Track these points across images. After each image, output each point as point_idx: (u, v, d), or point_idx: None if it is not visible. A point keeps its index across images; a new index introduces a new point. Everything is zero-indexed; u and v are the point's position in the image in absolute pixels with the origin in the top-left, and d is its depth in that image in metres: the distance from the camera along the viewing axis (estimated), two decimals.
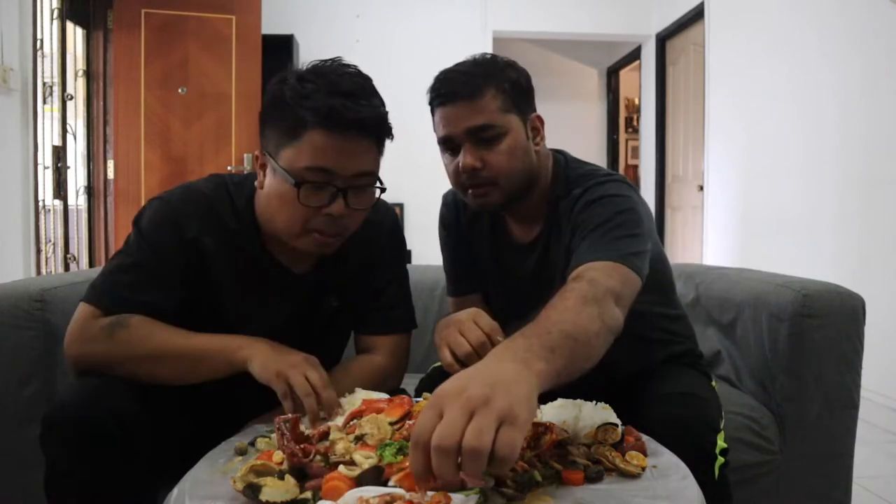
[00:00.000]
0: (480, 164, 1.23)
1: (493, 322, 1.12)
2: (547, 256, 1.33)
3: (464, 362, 1.07)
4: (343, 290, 1.28)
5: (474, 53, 1.31)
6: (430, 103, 1.28)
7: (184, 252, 1.15)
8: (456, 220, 1.46)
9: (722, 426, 1.16)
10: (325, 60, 1.12)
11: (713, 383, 1.42)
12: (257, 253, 1.20)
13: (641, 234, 1.18)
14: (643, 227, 1.20)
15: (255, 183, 1.17)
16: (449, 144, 1.27)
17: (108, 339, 1.07)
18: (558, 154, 1.38)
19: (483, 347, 1.08)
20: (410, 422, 0.95)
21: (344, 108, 1.05)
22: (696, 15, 4.96)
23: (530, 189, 1.30)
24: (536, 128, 1.30)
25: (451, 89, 1.23)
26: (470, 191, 1.27)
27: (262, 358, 1.08)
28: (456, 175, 1.27)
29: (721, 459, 1.12)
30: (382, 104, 1.12)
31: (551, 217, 1.32)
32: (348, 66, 1.12)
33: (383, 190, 1.16)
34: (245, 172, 1.31)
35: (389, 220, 1.33)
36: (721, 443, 1.13)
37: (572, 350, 0.87)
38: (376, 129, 1.10)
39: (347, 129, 1.06)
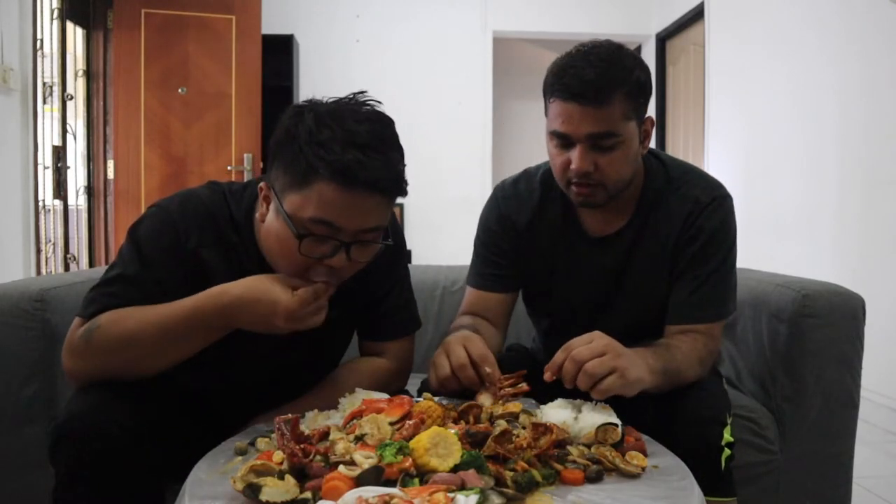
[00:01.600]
0: (593, 169, 1.22)
1: (484, 350, 1.14)
2: (635, 250, 1.34)
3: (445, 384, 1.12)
4: (343, 298, 1.27)
5: (597, 40, 1.24)
6: (552, 90, 1.23)
7: (183, 262, 1.12)
8: (518, 213, 1.41)
9: (729, 421, 1.18)
10: (347, 98, 1.07)
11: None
12: (256, 269, 1.15)
13: (735, 269, 1.37)
14: (736, 255, 1.37)
15: (257, 214, 1.12)
16: (562, 139, 1.24)
17: (87, 346, 1.04)
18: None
19: (463, 370, 1.10)
20: (410, 422, 0.95)
21: (359, 164, 0.99)
22: (696, 15, 4.95)
23: (628, 186, 1.31)
24: (647, 131, 1.29)
25: (581, 90, 1.18)
26: (573, 187, 1.26)
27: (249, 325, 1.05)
28: (563, 170, 1.26)
29: (727, 452, 1.14)
30: (401, 157, 1.06)
31: (643, 210, 1.33)
32: (370, 106, 1.06)
33: (388, 245, 1.12)
34: (245, 177, 1.28)
35: (390, 224, 1.32)
36: (727, 436, 1.15)
37: (670, 380, 1.16)
38: (390, 188, 1.04)
39: (360, 187, 1.00)
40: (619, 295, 1.36)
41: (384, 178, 1.01)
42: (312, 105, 1.05)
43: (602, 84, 1.18)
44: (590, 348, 1.05)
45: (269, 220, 1.08)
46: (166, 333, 1.04)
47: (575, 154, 1.22)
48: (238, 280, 1.05)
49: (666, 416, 1.11)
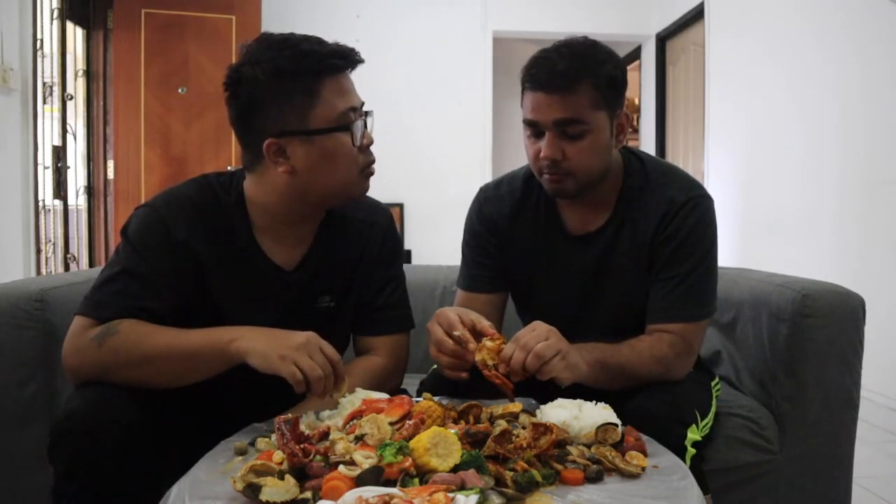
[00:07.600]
0: (560, 157, 1.25)
1: (474, 314, 1.18)
2: (614, 248, 1.34)
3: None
4: (338, 289, 1.28)
5: (575, 36, 1.28)
6: (523, 82, 1.27)
7: (174, 255, 1.15)
8: (499, 213, 1.43)
9: (703, 421, 1.18)
10: (269, 39, 1.15)
11: (714, 382, 1.42)
12: (250, 248, 1.20)
13: (716, 272, 1.33)
14: (716, 257, 1.34)
15: (280, 171, 1.14)
16: (533, 128, 1.27)
17: (100, 348, 1.06)
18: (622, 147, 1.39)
19: (451, 327, 1.15)
20: (410, 422, 0.95)
21: (335, 51, 1.12)
22: (696, 15, 4.95)
23: (602, 180, 1.32)
24: (622, 125, 1.31)
25: (546, 78, 1.22)
26: (545, 176, 1.28)
27: (259, 347, 1.04)
28: (535, 158, 1.29)
29: (692, 451, 1.13)
30: None
31: (622, 208, 1.34)
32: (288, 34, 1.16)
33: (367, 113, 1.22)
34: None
35: (385, 221, 1.33)
36: (693, 435, 1.15)
37: (613, 374, 1.20)
38: (360, 58, 1.16)
39: (347, 67, 1.15)
40: (599, 293, 1.37)
41: (351, 51, 1.15)
42: (249, 51, 1.13)
43: (568, 73, 1.22)
44: (535, 335, 1.10)
45: (306, 158, 1.13)
46: (185, 361, 1.07)
47: (544, 142, 1.25)
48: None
49: (626, 415, 1.09)
